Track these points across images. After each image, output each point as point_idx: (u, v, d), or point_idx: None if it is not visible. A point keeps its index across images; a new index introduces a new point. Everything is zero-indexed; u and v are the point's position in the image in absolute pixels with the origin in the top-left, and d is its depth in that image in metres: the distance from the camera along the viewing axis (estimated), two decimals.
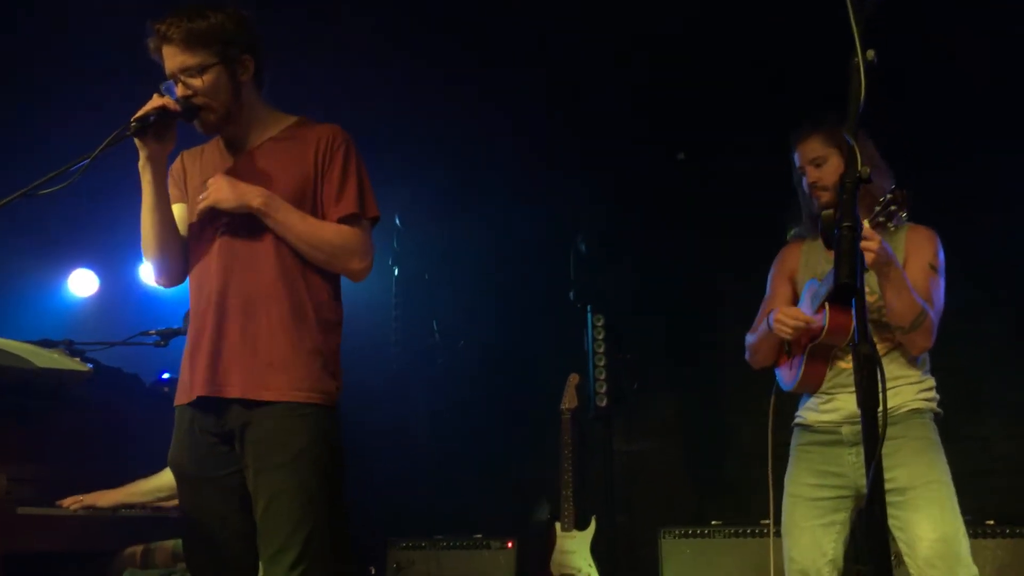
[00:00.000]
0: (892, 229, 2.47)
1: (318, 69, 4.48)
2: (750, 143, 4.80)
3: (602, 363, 4.90)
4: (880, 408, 1.51)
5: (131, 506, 2.99)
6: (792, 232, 3.08)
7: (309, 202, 2.45)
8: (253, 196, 2.38)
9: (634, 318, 5.17)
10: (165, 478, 2.86)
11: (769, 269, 3.10)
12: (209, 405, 2.37)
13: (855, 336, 1.59)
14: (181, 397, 2.43)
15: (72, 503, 2.90)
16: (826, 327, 2.70)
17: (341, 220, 2.44)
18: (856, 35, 1.78)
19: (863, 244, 2.43)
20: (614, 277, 5.12)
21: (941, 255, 2.83)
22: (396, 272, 5.43)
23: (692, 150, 5.25)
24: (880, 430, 1.51)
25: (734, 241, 4.80)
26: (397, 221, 5.37)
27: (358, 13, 4.41)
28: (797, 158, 2.94)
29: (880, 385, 1.52)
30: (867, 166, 1.59)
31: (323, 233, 2.41)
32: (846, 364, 2.79)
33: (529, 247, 5.37)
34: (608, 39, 4.57)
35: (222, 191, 2.39)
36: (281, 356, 2.35)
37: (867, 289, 2.67)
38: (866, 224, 2.49)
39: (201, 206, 2.41)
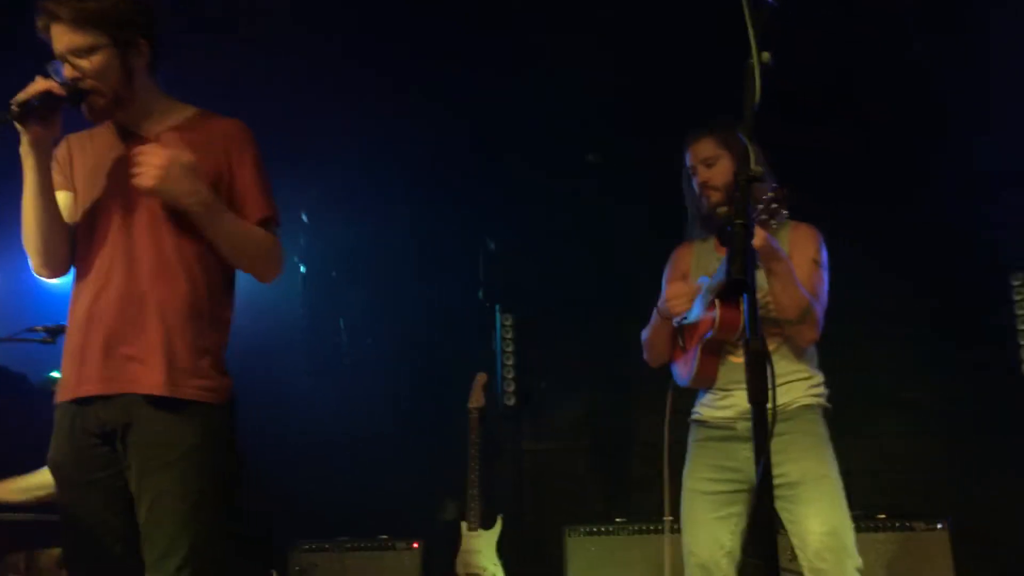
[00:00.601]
0: (775, 227, 2.54)
1: (223, 57, 4.37)
2: (659, 144, 4.85)
3: (510, 362, 4.92)
4: (769, 404, 1.53)
5: (9, 506, 2.86)
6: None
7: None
8: (197, 196, 2.26)
9: (542, 317, 5.19)
10: (44, 475, 2.75)
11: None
12: (91, 403, 2.27)
13: (746, 331, 1.62)
14: (64, 394, 2.32)
15: None
16: (717, 322, 2.74)
17: (259, 223, 2.38)
18: (752, 37, 1.82)
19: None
20: (522, 276, 5.14)
21: (824, 251, 2.91)
22: (303, 269, 5.34)
23: (603, 151, 5.29)
24: (769, 425, 1.53)
25: (640, 240, 4.86)
26: (304, 218, 5.29)
27: None
28: (688, 158, 3.00)
29: (769, 381, 1.54)
30: (759, 166, 1.62)
31: (255, 239, 2.36)
32: (738, 359, 2.86)
33: (438, 245, 5.35)
34: (522, 40, 4.59)
35: (162, 179, 2.23)
36: (170, 352, 2.27)
37: None
38: None
39: (138, 182, 2.23)
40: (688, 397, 3.08)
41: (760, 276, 2.72)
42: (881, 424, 4.82)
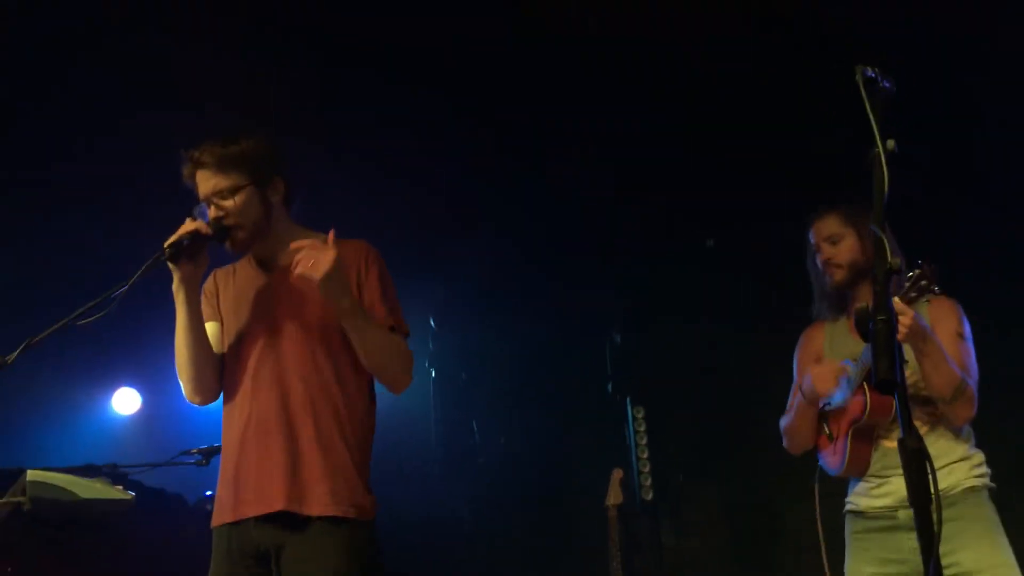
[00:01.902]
0: (925, 303, 2.47)
1: (349, 175, 4.59)
2: (781, 231, 4.81)
3: (645, 456, 4.83)
4: (933, 505, 1.47)
5: None
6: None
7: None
8: (351, 298, 2.35)
9: (673, 408, 5.11)
10: None
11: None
12: (247, 525, 2.36)
13: (900, 428, 1.56)
14: (220, 517, 2.43)
15: None
16: (868, 406, 2.66)
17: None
18: (874, 125, 1.80)
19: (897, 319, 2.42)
20: (651, 368, 5.09)
21: (966, 323, 2.81)
22: (433, 374, 5.43)
23: (722, 238, 5.25)
24: (935, 527, 1.46)
25: (769, 324, 4.76)
26: (432, 323, 5.41)
27: (390, 124, 4.53)
28: (812, 235, 2.96)
29: (931, 479, 1.48)
30: (897, 257, 1.59)
31: (390, 342, 2.44)
32: (891, 443, 2.74)
33: (565, 341, 5.36)
34: (641, 132, 4.65)
35: (335, 275, 2.29)
36: (319, 471, 2.35)
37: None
38: (897, 300, 2.48)
39: (310, 271, 2.29)
40: (836, 484, 2.96)
41: (908, 353, 2.63)
42: None
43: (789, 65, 4.29)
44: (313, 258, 2.30)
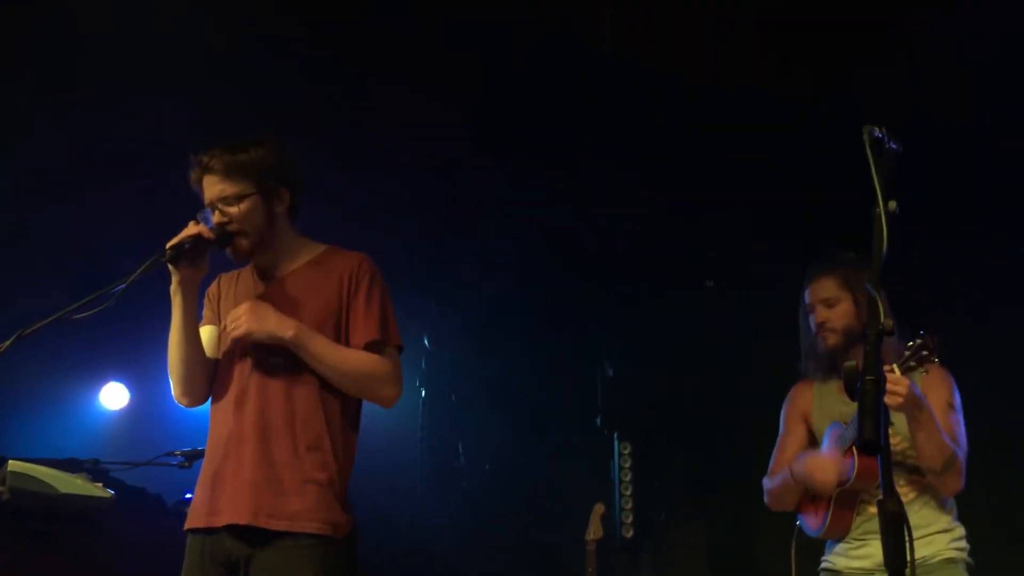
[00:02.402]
0: (923, 373, 2.47)
1: (349, 191, 4.60)
2: (774, 271, 4.83)
3: (628, 492, 4.82)
4: (908, 570, 1.47)
5: None
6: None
7: (332, 329, 2.47)
8: (285, 328, 2.40)
9: (661, 446, 5.11)
10: None
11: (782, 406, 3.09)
12: (220, 533, 2.36)
13: (882, 491, 1.56)
14: (194, 520, 2.43)
15: None
16: (855, 471, 2.66)
17: (366, 346, 2.47)
18: (878, 186, 1.81)
19: (892, 387, 2.44)
20: (641, 404, 5.08)
21: (957, 395, 2.81)
22: (423, 393, 5.43)
23: (720, 278, 5.27)
24: None
25: (762, 370, 4.76)
26: (426, 342, 5.41)
27: (389, 135, 4.56)
28: (807, 295, 2.95)
29: (908, 543, 1.48)
30: (889, 318, 1.60)
31: (354, 362, 2.43)
32: (875, 509, 2.73)
33: (557, 371, 5.36)
34: (634, 167, 4.68)
35: (252, 323, 2.40)
36: (296, 486, 2.35)
37: (891, 431, 2.64)
38: (896, 368, 2.49)
39: (234, 334, 2.42)
40: (815, 540, 2.96)
41: (899, 420, 2.64)
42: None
43: (797, 114, 4.32)
44: (233, 322, 2.40)
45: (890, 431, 2.58)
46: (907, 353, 2.48)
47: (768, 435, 3.16)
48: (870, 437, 1.48)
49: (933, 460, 2.64)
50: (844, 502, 2.76)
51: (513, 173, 4.77)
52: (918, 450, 2.65)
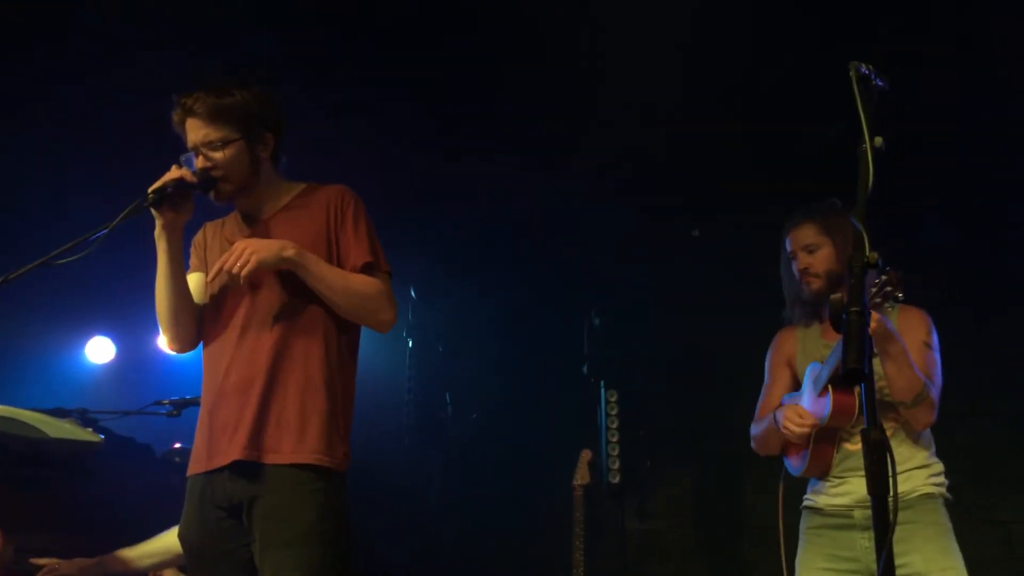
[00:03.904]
0: (889, 309, 2.50)
1: (330, 140, 4.56)
2: (763, 222, 4.84)
3: (615, 439, 4.86)
4: (891, 495, 1.49)
5: (135, 574, 2.96)
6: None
7: (324, 260, 2.47)
8: (286, 247, 2.39)
9: (647, 393, 5.15)
10: (163, 541, 2.85)
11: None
12: (221, 476, 2.37)
13: (865, 420, 1.59)
14: (195, 466, 2.43)
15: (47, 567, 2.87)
16: (830, 410, 2.69)
17: (361, 269, 2.48)
18: (864, 122, 1.82)
19: None
20: (628, 352, 5.11)
21: (935, 334, 2.85)
22: (410, 344, 5.44)
23: (707, 228, 5.28)
24: (891, 516, 1.49)
25: (748, 315, 4.79)
26: (412, 293, 5.41)
27: (369, 82, 4.51)
28: (788, 243, 2.99)
29: (891, 471, 1.51)
30: (874, 252, 1.61)
31: (354, 283, 2.44)
32: (853, 446, 2.80)
33: (544, 320, 5.38)
34: (625, 114, 4.65)
35: (260, 251, 2.36)
36: (297, 421, 2.36)
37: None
38: None
39: (244, 271, 2.35)
40: (800, 481, 3.02)
41: (875, 363, 2.67)
42: (1007, 509, 4.57)
43: (781, 56, 4.29)
44: (234, 260, 2.35)
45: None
46: (873, 290, 2.51)
47: (752, 382, 3.21)
48: (854, 365, 1.50)
49: (904, 393, 2.68)
50: (823, 440, 2.81)
51: (504, 124, 4.74)
52: (889, 383, 2.68)
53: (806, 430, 2.77)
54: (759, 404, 3.09)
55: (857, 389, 2.72)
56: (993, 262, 4.65)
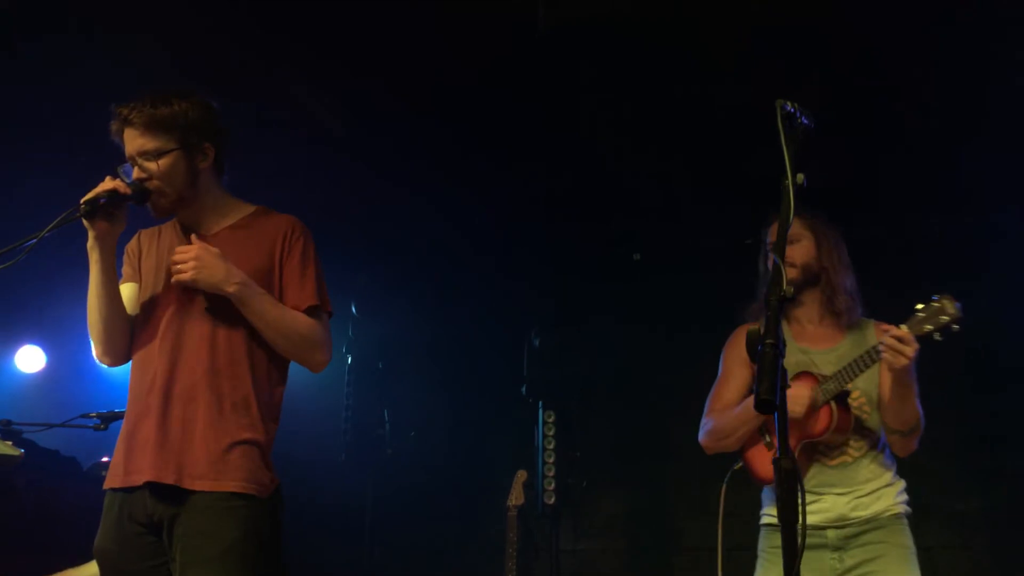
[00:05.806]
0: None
1: (277, 155, 4.54)
2: (704, 246, 4.92)
3: (551, 460, 4.89)
4: (800, 523, 1.54)
5: None
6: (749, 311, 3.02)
7: (264, 287, 2.44)
8: (231, 282, 2.36)
9: (585, 414, 5.19)
10: (93, 568, 2.78)
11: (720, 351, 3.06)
12: (141, 492, 2.33)
13: (777, 451, 1.63)
14: (112, 480, 2.39)
15: None
16: (835, 423, 2.72)
17: (304, 311, 2.46)
18: (787, 158, 1.88)
19: (902, 348, 2.51)
20: (566, 373, 5.15)
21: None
22: (349, 360, 5.42)
23: (647, 251, 5.34)
24: (799, 543, 1.53)
25: (683, 338, 4.87)
26: (353, 309, 5.39)
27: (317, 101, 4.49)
28: (769, 234, 2.91)
29: (800, 498, 1.55)
30: (791, 287, 1.66)
31: (294, 323, 2.43)
32: (833, 462, 2.80)
33: (484, 340, 5.40)
34: (566, 136, 4.69)
35: (200, 272, 2.35)
36: (219, 446, 2.32)
37: (851, 386, 2.75)
38: (906, 329, 2.56)
39: (177, 278, 2.35)
40: (739, 501, 2.87)
41: (863, 378, 2.71)
42: (932, 536, 4.67)
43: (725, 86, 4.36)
44: (181, 263, 2.34)
45: (849, 386, 2.72)
46: (921, 315, 2.50)
47: (690, 404, 3.17)
48: (767, 397, 1.54)
49: (904, 423, 2.72)
50: (805, 453, 2.78)
51: (443, 139, 4.75)
52: (893, 411, 2.71)
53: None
54: (711, 398, 2.99)
55: (854, 405, 2.78)
56: None
